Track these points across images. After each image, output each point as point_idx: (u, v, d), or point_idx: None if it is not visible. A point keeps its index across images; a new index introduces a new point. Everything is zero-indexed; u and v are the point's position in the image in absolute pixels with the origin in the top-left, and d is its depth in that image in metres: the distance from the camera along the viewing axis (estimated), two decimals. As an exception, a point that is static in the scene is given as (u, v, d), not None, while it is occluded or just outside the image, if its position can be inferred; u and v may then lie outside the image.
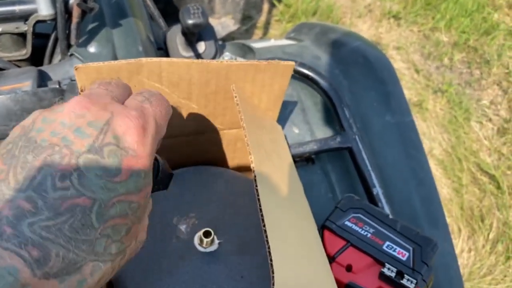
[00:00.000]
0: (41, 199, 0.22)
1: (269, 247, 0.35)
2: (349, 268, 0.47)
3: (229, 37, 1.62)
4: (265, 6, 2.00)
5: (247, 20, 1.92)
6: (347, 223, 0.50)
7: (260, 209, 0.37)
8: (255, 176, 0.39)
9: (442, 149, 1.63)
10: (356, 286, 0.46)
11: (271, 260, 0.34)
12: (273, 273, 0.34)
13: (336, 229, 0.49)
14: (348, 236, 0.49)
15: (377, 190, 0.58)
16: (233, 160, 0.59)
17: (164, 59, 0.43)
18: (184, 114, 0.49)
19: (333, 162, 0.64)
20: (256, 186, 0.38)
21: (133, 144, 0.26)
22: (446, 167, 1.58)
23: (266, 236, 0.36)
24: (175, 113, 0.49)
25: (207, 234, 0.46)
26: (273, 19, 1.98)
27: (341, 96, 0.64)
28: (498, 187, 1.53)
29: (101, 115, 0.25)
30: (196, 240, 0.47)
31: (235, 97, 0.46)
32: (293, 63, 0.47)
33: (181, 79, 0.45)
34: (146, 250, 0.46)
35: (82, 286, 0.23)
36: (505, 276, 1.36)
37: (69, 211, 0.23)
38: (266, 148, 0.46)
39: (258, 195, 0.38)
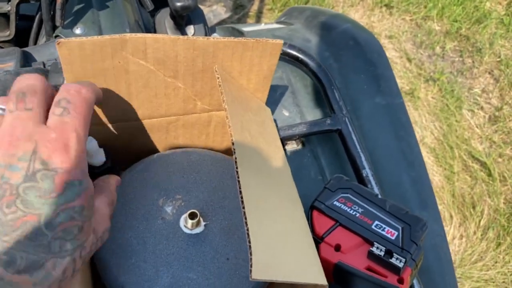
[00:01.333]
0: None
1: (247, 229, 0.34)
2: (338, 248, 0.47)
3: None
4: (257, -5, 1.98)
5: (239, 9, 1.90)
6: (335, 203, 0.49)
7: (240, 191, 0.36)
8: (235, 158, 0.38)
9: (434, 137, 1.63)
10: (345, 265, 0.46)
11: (249, 242, 0.34)
12: (251, 255, 0.33)
13: (325, 209, 0.49)
14: (336, 216, 0.48)
15: (367, 172, 0.57)
16: (221, 143, 0.58)
17: (149, 35, 0.42)
18: (171, 93, 0.48)
19: (323, 144, 0.64)
20: (237, 168, 0.38)
21: (59, 163, 0.30)
22: (438, 155, 1.58)
23: (245, 218, 0.35)
24: (160, 93, 0.48)
25: (193, 216, 0.45)
26: (265, 8, 1.96)
27: (331, 78, 0.64)
28: (489, 175, 1.53)
29: (27, 148, 0.30)
30: (181, 222, 0.46)
31: (218, 78, 0.45)
32: (281, 41, 0.46)
33: (167, 57, 0.44)
34: (130, 230, 0.45)
35: (48, 278, 0.29)
36: (496, 262, 1.37)
37: (21, 226, 0.29)
38: (251, 130, 0.46)
39: (238, 177, 0.37)
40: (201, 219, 0.46)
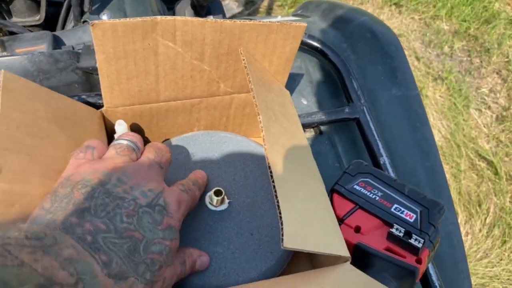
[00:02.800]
0: (113, 225, 0.33)
1: (278, 201, 0.36)
2: (357, 229, 0.48)
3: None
4: (267, -9, 1.99)
5: (249, 4, 1.91)
6: (355, 186, 0.51)
7: (269, 166, 0.38)
8: (263, 135, 0.40)
9: (441, 135, 1.64)
10: (364, 246, 0.47)
11: (280, 213, 0.35)
12: (282, 225, 0.34)
13: (345, 192, 0.50)
14: (356, 199, 0.50)
15: (384, 159, 0.59)
16: (240, 125, 0.60)
17: (179, 17, 0.44)
18: (196, 76, 0.50)
19: (340, 133, 0.65)
20: (265, 144, 0.39)
21: (172, 209, 0.38)
22: (445, 153, 1.59)
23: (275, 191, 0.36)
24: (186, 75, 0.50)
25: (218, 193, 0.47)
26: (275, 4, 1.97)
27: (350, 68, 0.65)
28: (496, 173, 1.54)
29: (157, 187, 0.38)
30: (207, 199, 0.48)
31: (243, 60, 0.46)
32: (305, 24, 0.48)
33: (194, 39, 0.46)
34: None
35: None
36: (501, 259, 1.38)
37: (128, 238, 0.33)
38: (274, 110, 0.47)
39: (266, 153, 0.39)
40: (225, 196, 0.47)
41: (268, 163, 0.38)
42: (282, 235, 0.34)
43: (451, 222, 0.61)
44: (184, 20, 0.44)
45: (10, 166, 0.36)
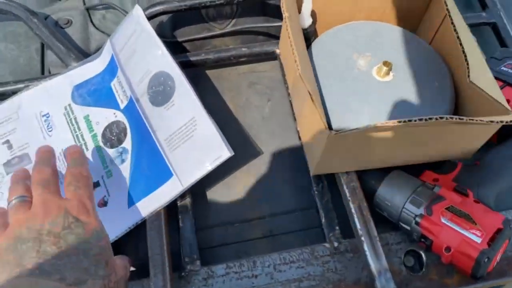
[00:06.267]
0: (47, 255, 0.40)
1: (463, 50, 0.45)
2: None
3: None
4: None
5: None
6: (503, 68, 0.57)
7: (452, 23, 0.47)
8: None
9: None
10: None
11: (466, 61, 0.45)
12: (468, 65, 0.44)
13: (493, 73, 0.57)
14: (505, 78, 0.56)
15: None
16: (396, 19, 0.66)
17: None
18: None
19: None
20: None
21: (85, 219, 0.44)
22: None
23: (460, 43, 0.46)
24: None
25: (386, 64, 0.55)
26: None
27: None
28: None
29: (60, 212, 0.43)
30: (374, 72, 0.56)
31: None
32: None
33: None
34: (334, 76, 0.56)
35: None
36: None
37: (66, 257, 0.41)
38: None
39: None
40: (391, 68, 0.55)
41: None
42: (468, 69, 0.43)
43: None
44: None
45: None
